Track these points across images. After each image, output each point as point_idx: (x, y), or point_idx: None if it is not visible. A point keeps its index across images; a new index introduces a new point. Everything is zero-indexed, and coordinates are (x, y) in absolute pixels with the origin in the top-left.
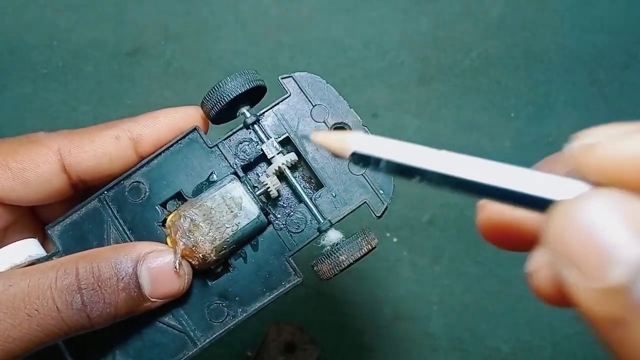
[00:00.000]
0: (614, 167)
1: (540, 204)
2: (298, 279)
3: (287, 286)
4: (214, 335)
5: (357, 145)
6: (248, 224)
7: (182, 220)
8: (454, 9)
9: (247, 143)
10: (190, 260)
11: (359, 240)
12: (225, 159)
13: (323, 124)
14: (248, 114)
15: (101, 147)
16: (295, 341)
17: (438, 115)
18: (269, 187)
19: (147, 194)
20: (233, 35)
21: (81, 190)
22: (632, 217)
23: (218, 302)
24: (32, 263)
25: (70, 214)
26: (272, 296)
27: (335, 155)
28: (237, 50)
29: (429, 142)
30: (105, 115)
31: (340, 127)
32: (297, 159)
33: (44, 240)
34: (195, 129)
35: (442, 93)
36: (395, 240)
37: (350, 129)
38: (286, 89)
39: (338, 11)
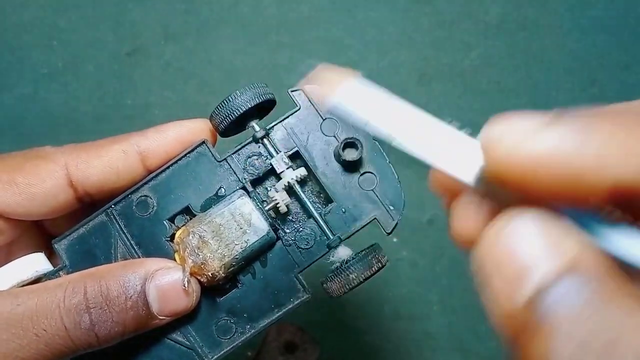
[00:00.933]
0: (514, 166)
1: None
2: (307, 295)
3: (296, 303)
4: (222, 352)
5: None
6: (257, 240)
7: (190, 237)
8: (454, 9)
9: (256, 157)
10: (199, 278)
11: (369, 258)
12: (234, 173)
13: (333, 138)
14: (257, 128)
15: (109, 162)
16: (296, 341)
17: (438, 115)
18: (278, 203)
19: (155, 208)
20: (233, 35)
21: (88, 204)
22: (536, 249)
23: (226, 318)
24: (38, 278)
25: (77, 228)
26: (280, 313)
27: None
28: (237, 50)
29: None
30: (106, 116)
31: (351, 142)
32: (306, 173)
33: (50, 254)
34: (203, 142)
35: (442, 93)
36: (395, 240)
37: (361, 143)
38: (296, 102)
39: (338, 11)
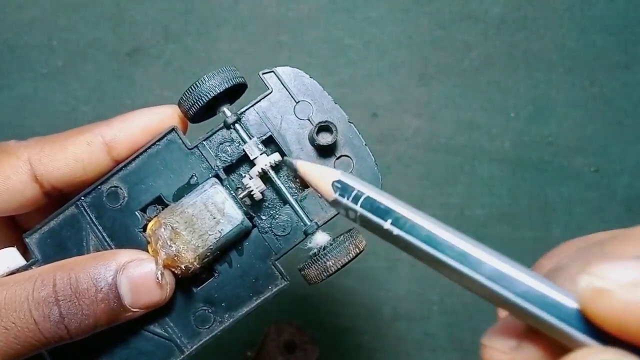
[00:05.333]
0: (624, 318)
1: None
2: (285, 282)
3: (274, 290)
4: (201, 342)
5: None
6: (231, 230)
7: (162, 229)
8: (454, 9)
9: (228, 143)
10: (173, 270)
11: (347, 244)
12: (206, 160)
13: (307, 121)
14: (228, 113)
15: (73, 154)
16: (295, 341)
17: (438, 115)
18: (252, 190)
19: (126, 199)
20: (233, 35)
21: (58, 197)
22: None
23: (204, 308)
24: (11, 273)
25: (47, 222)
26: (258, 301)
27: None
28: (237, 50)
29: (429, 142)
30: (105, 116)
31: (325, 125)
32: (281, 159)
33: (25, 249)
34: (173, 129)
35: (442, 93)
36: None
37: (335, 127)
38: (268, 85)
39: (338, 11)
